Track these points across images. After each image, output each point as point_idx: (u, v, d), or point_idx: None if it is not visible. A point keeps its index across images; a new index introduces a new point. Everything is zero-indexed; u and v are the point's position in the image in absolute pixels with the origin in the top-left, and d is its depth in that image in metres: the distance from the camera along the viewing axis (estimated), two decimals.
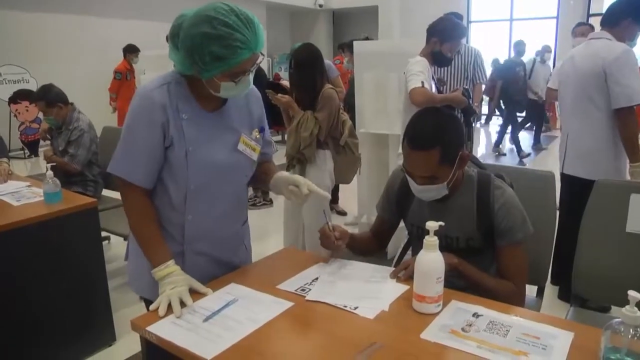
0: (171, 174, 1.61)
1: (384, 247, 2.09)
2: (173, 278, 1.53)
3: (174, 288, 1.51)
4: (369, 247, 1.99)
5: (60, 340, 2.71)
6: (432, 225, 1.44)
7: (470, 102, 3.29)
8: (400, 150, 3.31)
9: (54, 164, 3.10)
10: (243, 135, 1.70)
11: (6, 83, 8.85)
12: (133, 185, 1.59)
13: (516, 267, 1.73)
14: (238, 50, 1.43)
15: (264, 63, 12.63)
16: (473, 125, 3.89)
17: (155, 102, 1.54)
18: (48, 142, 4.21)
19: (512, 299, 1.61)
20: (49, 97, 3.75)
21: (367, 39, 5.84)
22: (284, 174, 1.78)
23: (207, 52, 1.42)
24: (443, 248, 1.46)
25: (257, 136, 1.75)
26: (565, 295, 3.28)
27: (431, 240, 1.43)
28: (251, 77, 1.56)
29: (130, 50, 9.04)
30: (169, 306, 1.47)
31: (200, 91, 1.58)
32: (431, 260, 1.42)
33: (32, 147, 8.91)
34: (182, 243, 1.68)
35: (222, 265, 1.77)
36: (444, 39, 3.27)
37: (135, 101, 1.57)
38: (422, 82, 3.09)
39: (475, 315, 1.41)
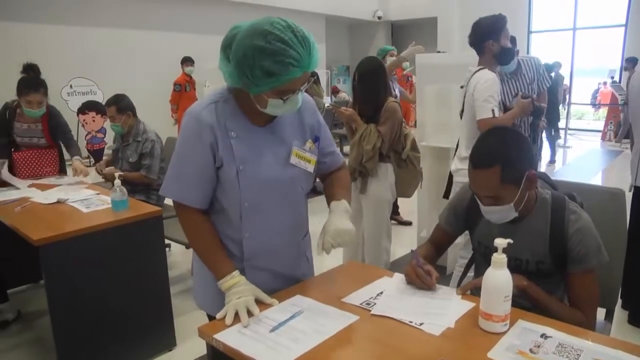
0: (224, 193, 1.60)
1: (440, 256, 2.05)
2: (239, 288, 1.54)
3: (240, 297, 1.52)
4: (434, 262, 1.96)
5: (124, 342, 2.80)
6: (500, 242, 1.41)
7: (534, 101, 3.15)
8: (457, 166, 3.25)
9: (122, 179, 3.02)
10: (295, 147, 1.65)
11: (76, 95, 9.37)
12: (187, 205, 1.61)
13: (587, 295, 1.67)
14: (290, 67, 1.39)
15: (322, 75, 12.74)
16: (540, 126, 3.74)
17: (203, 123, 1.53)
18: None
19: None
20: (122, 104, 3.93)
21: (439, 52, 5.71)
22: (334, 212, 1.69)
23: (259, 66, 1.38)
24: (512, 269, 1.43)
25: (312, 147, 1.69)
26: (635, 319, 3.15)
27: (499, 258, 1.40)
28: (300, 95, 1.52)
29: (185, 61, 9.39)
30: (235, 316, 1.48)
31: (250, 106, 1.54)
32: (499, 278, 1.40)
33: (97, 155, 9.27)
34: (242, 260, 1.66)
35: (284, 279, 1.75)
36: (496, 34, 3.09)
37: (184, 122, 1.57)
38: (493, 111, 2.96)
39: (544, 336, 1.37)
